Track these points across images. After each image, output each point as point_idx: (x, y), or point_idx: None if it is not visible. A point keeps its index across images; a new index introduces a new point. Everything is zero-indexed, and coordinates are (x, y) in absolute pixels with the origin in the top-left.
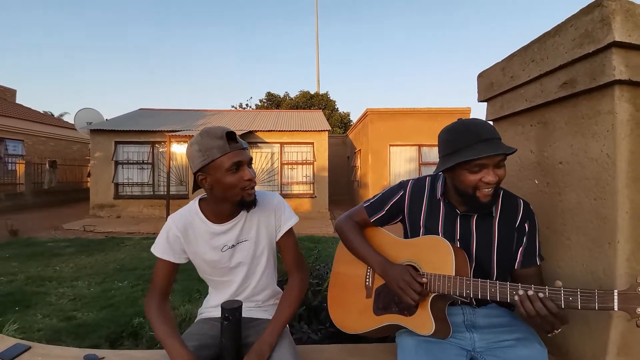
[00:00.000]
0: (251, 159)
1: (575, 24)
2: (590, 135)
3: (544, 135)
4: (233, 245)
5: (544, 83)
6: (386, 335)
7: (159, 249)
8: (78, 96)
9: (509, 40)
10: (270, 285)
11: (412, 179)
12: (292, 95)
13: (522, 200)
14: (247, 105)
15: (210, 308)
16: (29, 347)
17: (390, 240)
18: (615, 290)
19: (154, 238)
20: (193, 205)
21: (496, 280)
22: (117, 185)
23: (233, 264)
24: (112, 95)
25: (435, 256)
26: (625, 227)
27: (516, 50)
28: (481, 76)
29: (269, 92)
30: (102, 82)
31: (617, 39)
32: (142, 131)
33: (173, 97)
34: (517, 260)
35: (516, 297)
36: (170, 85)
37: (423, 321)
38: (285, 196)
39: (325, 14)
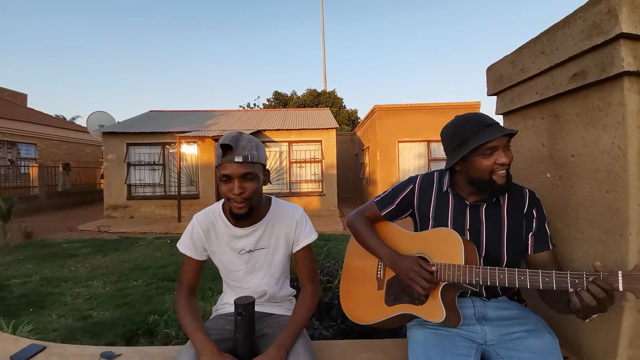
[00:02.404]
0: (247, 173)
1: (584, 15)
2: (602, 127)
3: (555, 128)
4: (250, 250)
5: (554, 75)
6: (397, 328)
7: (182, 245)
8: (89, 100)
9: (516, 33)
10: (286, 290)
11: (421, 174)
12: (299, 93)
13: (527, 189)
14: (254, 104)
15: (226, 305)
16: (44, 347)
17: (400, 233)
18: (620, 272)
19: (167, 238)
20: (217, 206)
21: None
22: (129, 186)
23: (249, 268)
24: (122, 97)
25: (445, 247)
26: (636, 219)
27: (525, 42)
28: (490, 69)
29: (276, 91)
30: (113, 85)
31: (624, 30)
32: (152, 133)
33: (182, 98)
34: (530, 245)
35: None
36: (179, 87)
37: (434, 310)
38: (294, 194)
39: (331, 12)
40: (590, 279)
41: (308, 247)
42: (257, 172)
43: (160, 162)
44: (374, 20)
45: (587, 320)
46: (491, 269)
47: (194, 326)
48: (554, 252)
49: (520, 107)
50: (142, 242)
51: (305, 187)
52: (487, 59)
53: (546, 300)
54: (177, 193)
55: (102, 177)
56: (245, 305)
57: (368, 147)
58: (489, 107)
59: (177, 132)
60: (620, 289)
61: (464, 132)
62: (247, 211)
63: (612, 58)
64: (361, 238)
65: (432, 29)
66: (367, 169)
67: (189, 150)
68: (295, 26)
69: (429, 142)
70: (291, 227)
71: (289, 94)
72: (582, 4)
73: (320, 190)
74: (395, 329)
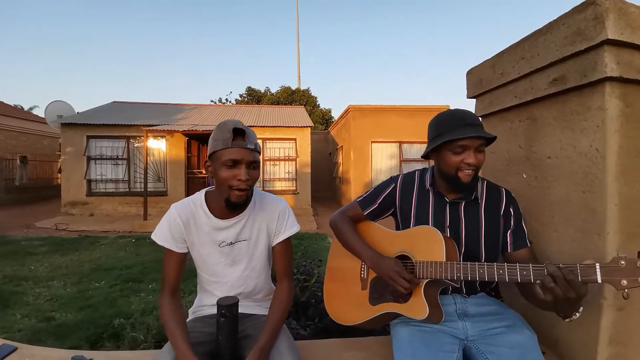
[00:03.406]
0: (254, 161)
1: (568, 22)
2: (579, 131)
3: (532, 130)
4: (232, 243)
5: (534, 80)
6: (380, 326)
7: (160, 237)
8: (47, 88)
9: (492, 37)
10: (266, 284)
11: (402, 174)
12: (273, 90)
13: (504, 188)
14: (226, 100)
15: (204, 307)
16: (16, 348)
17: (383, 233)
18: (597, 264)
19: (131, 237)
20: (199, 196)
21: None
22: (89, 181)
23: (229, 261)
24: (83, 87)
25: (427, 245)
26: (614, 219)
27: (506, 47)
28: (470, 73)
29: (249, 87)
30: (73, 73)
31: (610, 36)
32: (115, 125)
33: (147, 91)
34: (509, 243)
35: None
36: (144, 79)
37: (417, 307)
38: (266, 192)
39: (306, 10)
40: (566, 269)
41: (288, 241)
42: (259, 161)
43: (124, 156)
44: (349, 20)
45: (567, 320)
46: (472, 265)
47: (178, 337)
48: (531, 249)
49: (498, 110)
50: (103, 242)
51: (279, 185)
52: (459, 63)
53: (528, 298)
54: (143, 190)
55: (59, 171)
56: (229, 306)
57: (342, 146)
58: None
59: (144, 125)
60: (599, 280)
61: (443, 126)
62: (246, 200)
63: (594, 64)
64: (343, 239)
65: (406, 31)
66: (341, 168)
67: (157, 145)
68: (270, 22)
69: (401, 143)
70: (273, 219)
71: (262, 91)
72: (566, 11)
73: (294, 188)
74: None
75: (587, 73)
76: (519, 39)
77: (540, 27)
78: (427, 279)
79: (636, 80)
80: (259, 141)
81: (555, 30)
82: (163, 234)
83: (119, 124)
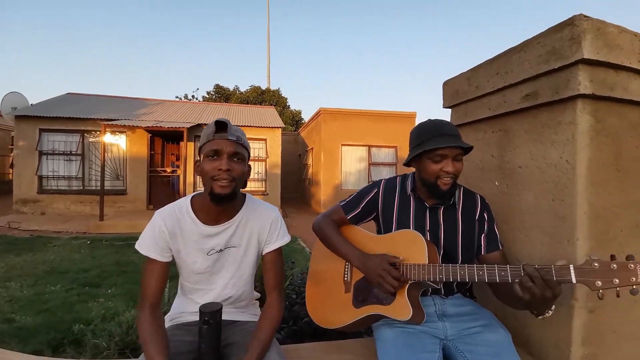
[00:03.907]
0: (236, 152)
1: (543, 41)
2: (550, 143)
3: (504, 141)
4: (221, 250)
5: (507, 94)
6: (362, 330)
7: (144, 247)
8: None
9: (463, 45)
10: (251, 292)
11: (384, 179)
12: (243, 89)
13: (479, 194)
14: (193, 96)
15: (185, 314)
16: None
17: (366, 236)
18: (571, 265)
19: (86, 238)
20: (184, 202)
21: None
22: (41, 178)
23: (215, 268)
24: (38, 77)
25: (410, 248)
26: (584, 226)
27: (482, 62)
28: (447, 84)
29: (217, 85)
30: (27, 63)
31: (586, 56)
32: (70, 118)
33: (106, 83)
34: (482, 246)
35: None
36: (102, 70)
37: (401, 308)
38: None
39: (278, 10)
40: (543, 270)
41: (279, 251)
42: (245, 156)
43: (79, 152)
44: (320, 23)
45: (540, 317)
46: (453, 266)
47: (155, 353)
48: (503, 252)
49: (473, 121)
50: (56, 242)
51: (248, 186)
52: (427, 73)
53: (500, 297)
54: (99, 188)
55: (11, 166)
56: (212, 313)
57: (312, 148)
58: (424, 118)
59: (102, 120)
60: (574, 281)
61: (423, 136)
62: (231, 193)
63: (567, 82)
64: (329, 241)
65: (376, 36)
66: (311, 170)
67: (116, 141)
68: (240, 18)
69: (369, 146)
70: (265, 227)
71: (231, 89)
72: (542, 31)
73: (264, 189)
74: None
75: (559, 90)
76: (494, 55)
77: (516, 45)
78: (412, 280)
79: (608, 97)
80: None
81: (530, 49)
82: (147, 244)
83: (74, 117)
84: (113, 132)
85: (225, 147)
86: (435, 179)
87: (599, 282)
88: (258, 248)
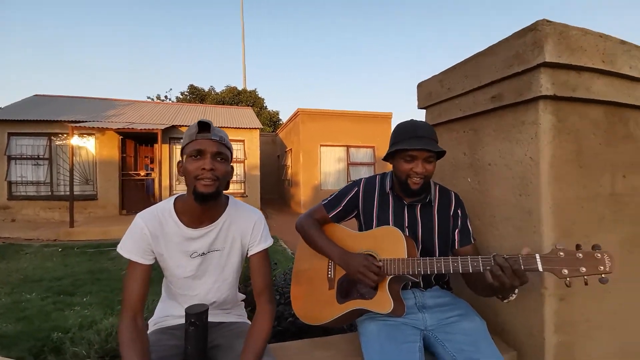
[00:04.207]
0: (219, 152)
1: (508, 46)
2: (515, 142)
3: (475, 140)
4: (204, 253)
5: (476, 96)
6: (345, 326)
7: (126, 249)
8: None
9: (439, 47)
10: (233, 296)
11: (364, 178)
12: (218, 90)
13: (453, 192)
14: (166, 97)
15: (169, 317)
16: None
17: (348, 234)
18: (537, 254)
19: (57, 246)
20: (167, 204)
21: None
22: (10, 183)
23: (199, 272)
24: (5, 80)
25: (389, 243)
26: (549, 218)
27: (453, 65)
28: (421, 86)
29: (192, 85)
30: None
31: (548, 60)
32: (38, 121)
33: (74, 84)
34: (456, 240)
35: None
36: (70, 72)
37: (383, 301)
38: None
39: (252, 11)
40: (511, 260)
41: (265, 253)
42: (228, 156)
43: (46, 156)
44: (296, 23)
45: (505, 301)
46: (430, 260)
47: None
48: (475, 245)
49: (446, 121)
50: (28, 250)
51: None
52: (405, 72)
53: (471, 286)
54: (69, 193)
55: None
56: (198, 315)
57: (291, 149)
58: (400, 118)
59: (70, 122)
60: (540, 269)
61: (400, 135)
62: (215, 192)
63: (529, 84)
64: (311, 240)
65: (354, 37)
66: (290, 171)
67: (84, 144)
68: (214, 17)
69: (348, 147)
70: (248, 229)
71: (206, 90)
72: (507, 36)
73: (243, 191)
74: (327, 327)
75: (522, 92)
76: (465, 59)
77: (484, 49)
78: (392, 274)
79: (570, 98)
80: None
81: (496, 53)
82: (129, 246)
83: (41, 120)
84: (81, 135)
85: (209, 147)
86: (406, 177)
87: (565, 271)
88: (242, 251)
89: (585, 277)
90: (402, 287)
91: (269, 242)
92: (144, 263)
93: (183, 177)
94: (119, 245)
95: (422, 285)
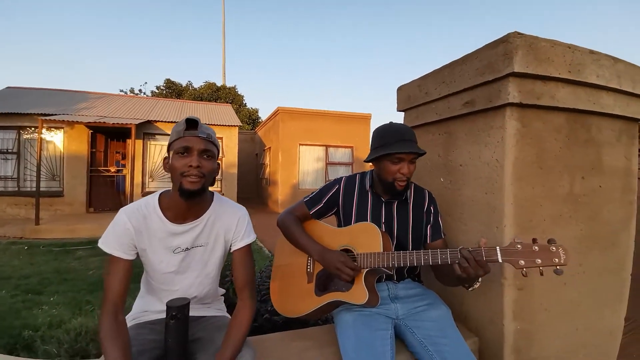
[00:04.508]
0: (206, 150)
1: (480, 56)
2: (484, 145)
3: (449, 142)
4: (187, 249)
5: (451, 101)
6: (320, 320)
7: (107, 245)
8: None
9: (419, 49)
10: (214, 291)
11: (344, 176)
12: (196, 85)
13: (427, 190)
14: (140, 90)
15: (149, 312)
16: None
17: (327, 230)
18: (497, 247)
19: (23, 243)
20: (151, 199)
21: None
22: None
23: (181, 268)
24: None
25: (366, 238)
26: (510, 214)
27: (430, 71)
28: (400, 89)
29: (168, 79)
30: None
31: (516, 70)
32: (7, 114)
33: (43, 76)
34: (428, 235)
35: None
36: (40, 63)
37: (358, 293)
38: None
39: (233, 7)
40: (475, 252)
41: (248, 248)
42: (215, 153)
43: (14, 150)
44: (277, 21)
45: (470, 289)
46: (403, 253)
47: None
48: (445, 240)
49: (423, 124)
50: None
51: None
52: (381, 75)
53: (439, 278)
54: (35, 189)
55: None
56: (179, 308)
57: (270, 147)
58: (379, 119)
59: (40, 115)
60: (500, 260)
61: (385, 139)
62: (200, 189)
63: (499, 92)
64: (291, 236)
65: (333, 37)
66: (268, 170)
67: (52, 138)
68: (193, 13)
69: (327, 146)
70: (231, 225)
71: (184, 85)
72: (481, 46)
73: (219, 189)
74: (303, 321)
75: (492, 99)
76: (441, 66)
77: (458, 58)
78: (367, 268)
79: (534, 105)
80: None
81: (470, 62)
82: (110, 241)
83: (10, 113)
84: (50, 129)
85: (196, 144)
86: (392, 179)
87: (522, 262)
88: (225, 247)
89: (541, 268)
90: (377, 280)
91: (252, 238)
92: (125, 258)
93: (159, 174)
94: (100, 240)
95: (395, 278)
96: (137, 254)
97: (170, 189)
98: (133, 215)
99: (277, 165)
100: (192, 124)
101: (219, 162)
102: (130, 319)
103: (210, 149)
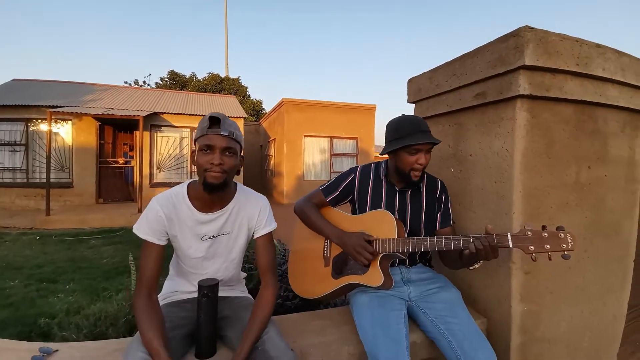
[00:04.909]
0: (228, 147)
1: (492, 49)
2: (494, 135)
3: (459, 133)
4: (214, 236)
5: (462, 93)
6: (333, 302)
7: (142, 231)
8: None
9: (418, 48)
10: (237, 274)
11: (360, 166)
12: (200, 76)
13: (439, 179)
14: (144, 82)
15: (178, 293)
16: None
17: (343, 216)
18: (509, 233)
19: (34, 234)
20: (180, 189)
21: None
22: None
23: (208, 254)
24: None
25: (381, 225)
26: (519, 202)
27: (441, 64)
28: (411, 81)
29: (172, 71)
30: None
31: (527, 63)
32: (15, 106)
33: (49, 68)
34: (438, 222)
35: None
36: (47, 57)
37: (374, 276)
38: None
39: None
40: (487, 238)
41: (269, 236)
42: (237, 150)
43: (23, 142)
44: (280, 12)
45: (471, 268)
46: (417, 239)
47: (152, 339)
48: (453, 227)
49: (433, 115)
50: (6, 238)
51: None
52: (384, 68)
53: (444, 262)
54: (43, 180)
55: None
56: (210, 287)
57: (274, 139)
58: (384, 110)
59: (48, 107)
60: (510, 246)
61: (403, 130)
62: (222, 183)
63: (510, 84)
64: (310, 221)
65: (335, 30)
66: (273, 161)
67: (61, 129)
68: (195, 4)
69: (332, 138)
70: (254, 214)
71: (187, 76)
72: (492, 40)
73: None
74: (315, 305)
75: (503, 91)
76: (452, 59)
77: (469, 51)
78: (383, 252)
79: (543, 97)
80: (187, 130)
81: (481, 55)
82: (144, 227)
83: (18, 105)
84: (57, 121)
85: (218, 142)
86: (409, 169)
87: (532, 247)
88: (248, 234)
89: (550, 253)
90: (390, 265)
91: (273, 226)
92: (158, 243)
93: (166, 165)
94: (135, 226)
95: (407, 263)
96: (169, 239)
97: (192, 179)
98: (165, 203)
99: (282, 157)
100: (215, 121)
101: (242, 156)
102: (161, 299)
103: (232, 146)
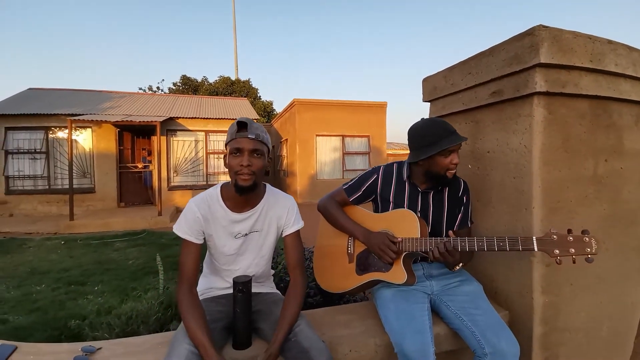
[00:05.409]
0: (256, 149)
1: (507, 48)
2: (512, 132)
3: (475, 131)
4: (246, 234)
5: (478, 91)
6: (355, 297)
7: (181, 230)
8: None
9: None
10: (267, 270)
11: (382, 165)
12: (211, 80)
13: (462, 179)
14: (158, 88)
15: (214, 289)
16: (16, 347)
17: (367, 215)
18: (534, 237)
19: (59, 238)
20: (214, 191)
21: None
22: (7, 178)
23: (241, 250)
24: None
25: (404, 224)
26: (538, 197)
27: (456, 63)
28: (426, 81)
29: (184, 76)
30: None
31: (542, 61)
32: (34, 115)
33: (64, 77)
34: (456, 223)
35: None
36: (60, 64)
37: (398, 273)
38: (211, 186)
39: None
40: (512, 241)
41: (297, 233)
42: (264, 151)
43: (43, 149)
44: (289, 13)
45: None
46: (441, 239)
47: (196, 330)
48: (470, 229)
49: (449, 113)
50: (30, 244)
51: (223, 179)
52: (398, 63)
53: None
54: (64, 187)
55: None
56: (244, 283)
57: (287, 139)
58: (395, 107)
59: (67, 115)
60: (535, 249)
61: (434, 135)
62: (252, 185)
63: (526, 82)
64: (334, 219)
65: (343, 31)
66: (286, 161)
67: (81, 137)
68: (205, 8)
69: (343, 136)
70: (283, 213)
71: (199, 80)
72: (507, 39)
73: None
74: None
75: (519, 88)
76: (467, 57)
77: (484, 50)
78: (407, 251)
79: (560, 93)
80: (201, 133)
81: (497, 54)
82: (183, 227)
83: (39, 114)
84: (77, 128)
85: (246, 145)
86: (445, 171)
87: (557, 251)
88: (277, 232)
89: (574, 257)
90: (413, 262)
91: (300, 224)
92: (196, 242)
93: (183, 169)
94: (174, 226)
95: (429, 259)
96: (204, 238)
97: (224, 181)
98: (201, 205)
99: (295, 157)
100: (242, 125)
101: (270, 157)
102: (199, 295)
103: (260, 148)
